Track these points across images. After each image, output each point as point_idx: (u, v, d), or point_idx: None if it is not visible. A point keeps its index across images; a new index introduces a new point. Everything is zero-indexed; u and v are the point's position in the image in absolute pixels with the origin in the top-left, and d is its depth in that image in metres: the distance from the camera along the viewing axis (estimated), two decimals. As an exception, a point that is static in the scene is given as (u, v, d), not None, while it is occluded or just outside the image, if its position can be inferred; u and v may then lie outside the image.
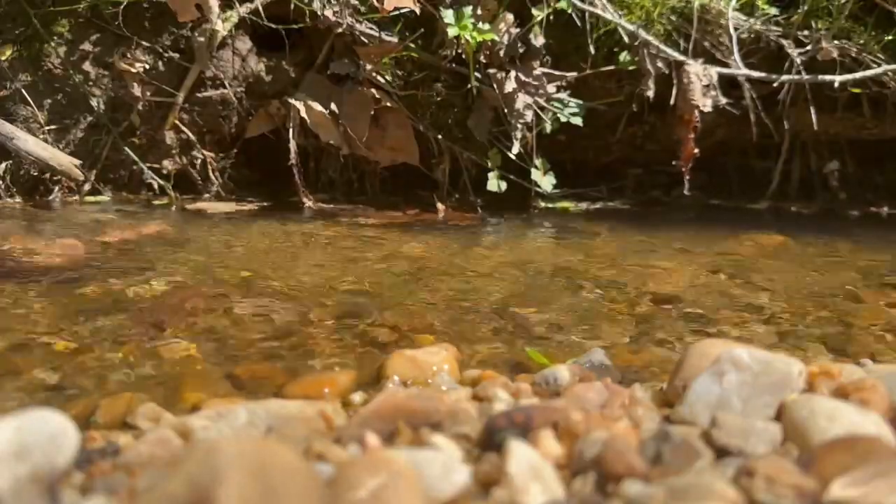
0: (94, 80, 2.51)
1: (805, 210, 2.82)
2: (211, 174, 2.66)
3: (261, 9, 2.47)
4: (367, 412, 0.76)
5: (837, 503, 0.55)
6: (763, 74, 2.50)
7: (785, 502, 0.56)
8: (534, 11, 2.44)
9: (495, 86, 2.49)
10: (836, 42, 2.48)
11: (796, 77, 2.48)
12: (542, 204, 2.71)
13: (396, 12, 2.41)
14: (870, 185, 2.95)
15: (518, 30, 2.47)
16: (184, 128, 2.58)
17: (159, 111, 2.56)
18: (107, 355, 1.10)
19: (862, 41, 2.49)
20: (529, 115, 2.49)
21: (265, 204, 2.58)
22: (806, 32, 2.53)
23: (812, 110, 2.56)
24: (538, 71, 2.50)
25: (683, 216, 2.70)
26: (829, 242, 2.13)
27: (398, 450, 0.66)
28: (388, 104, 2.56)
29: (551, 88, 2.52)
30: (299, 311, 1.35)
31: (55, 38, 2.48)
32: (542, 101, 2.51)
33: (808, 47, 2.51)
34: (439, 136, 2.63)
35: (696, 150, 2.47)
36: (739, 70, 2.50)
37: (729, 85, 2.55)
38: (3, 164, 2.44)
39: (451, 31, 2.36)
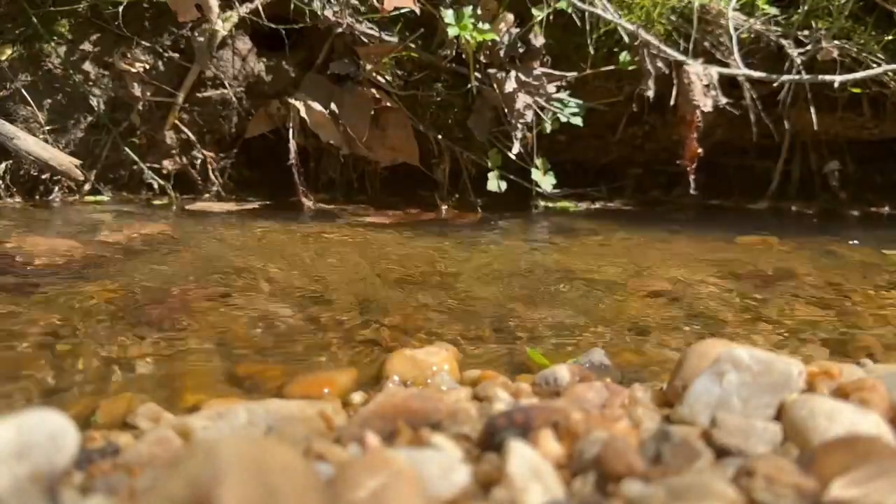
0: (94, 80, 2.51)
1: (805, 210, 2.82)
2: (211, 174, 2.66)
3: (261, 9, 2.47)
4: (367, 412, 0.76)
5: (837, 503, 0.55)
6: (763, 74, 2.50)
7: (785, 502, 0.56)
8: (534, 11, 2.44)
9: (495, 86, 2.49)
10: (836, 42, 2.48)
11: (796, 77, 2.48)
12: (543, 204, 2.72)
13: (396, 12, 2.41)
14: (870, 185, 2.96)
15: (518, 30, 2.47)
16: (184, 128, 2.58)
17: (159, 111, 2.56)
18: (106, 355, 1.10)
19: (862, 41, 2.49)
20: (529, 115, 2.49)
21: (265, 204, 2.58)
22: (806, 32, 2.53)
23: (812, 110, 2.57)
24: (538, 71, 2.50)
25: (683, 216, 2.70)
26: (828, 242, 2.13)
27: (398, 450, 0.66)
28: (388, 104, 2.56)
29: (551, 88, 2.52)
30: (299, 311, 1.35)
31: (55, 38, 2.48)
32: (542, 101, 2.51)
33: (808, 47, 2.51)
34: (439, 136, 2.63)
35: (700, 150, 2.48)
36: (739, 70, 2.50)
37: (729, 85, 2.55)
38: (3, 164, 2.45)
39: (451, 31, 2.36)
